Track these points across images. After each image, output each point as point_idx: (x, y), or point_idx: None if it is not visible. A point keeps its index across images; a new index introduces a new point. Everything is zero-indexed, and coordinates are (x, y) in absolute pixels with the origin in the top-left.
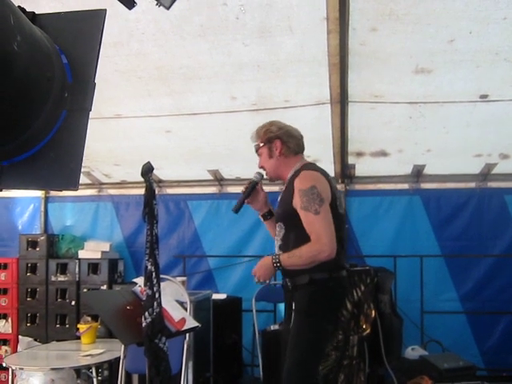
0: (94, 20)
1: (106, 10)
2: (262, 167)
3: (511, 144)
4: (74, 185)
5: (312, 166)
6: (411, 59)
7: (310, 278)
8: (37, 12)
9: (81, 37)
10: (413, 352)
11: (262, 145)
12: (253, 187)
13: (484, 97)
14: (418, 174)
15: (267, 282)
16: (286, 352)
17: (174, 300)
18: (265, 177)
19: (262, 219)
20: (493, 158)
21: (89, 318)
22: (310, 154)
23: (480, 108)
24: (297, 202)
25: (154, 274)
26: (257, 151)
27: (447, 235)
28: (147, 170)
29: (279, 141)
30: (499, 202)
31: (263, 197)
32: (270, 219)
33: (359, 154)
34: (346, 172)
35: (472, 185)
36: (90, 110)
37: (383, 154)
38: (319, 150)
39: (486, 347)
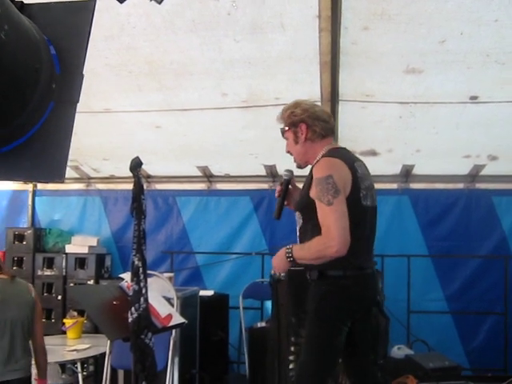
0: (83, 11)
1: (95, 1)
2: (288, 152)
3: (500, 146)
4: (60, 177)
5: (336, 153)
6: (402, 59)
7: (320, 273)
8: (25, 2)
9: (70, 28)
10: (399, 351)
11: (286, 129)
12: (286, 187)
13: (474, 98)
14: (406, 173)
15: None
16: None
17: (161, 296)
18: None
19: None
20: (481, 159)
21: (75, 313)
22: None
23: (470, 109)
24: (313, 192)
25: (140, 269)
26: (283, 135)
27: (435, 235)
28: (136, 165)
29: (304, 125)
30: (487, 204)
31: (299, 193)
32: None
33: None
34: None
35: (460, 186)
36: (78, 101)
37: (373, 153)
38: None
39: (471, 347)
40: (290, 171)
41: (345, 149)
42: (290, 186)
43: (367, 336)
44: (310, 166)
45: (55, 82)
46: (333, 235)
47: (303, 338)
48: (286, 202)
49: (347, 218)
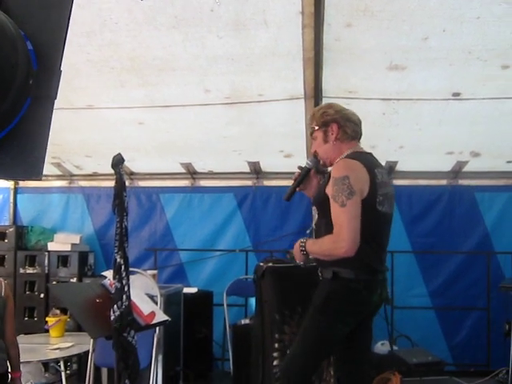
0: (61, 6)
1: None
2: (314, 152)
3: (482, 142)
4: (38, 174)
5: (357, 155)
6: (385, 56)
7: (334, 274)
8: None
9: (47, 22)
10: (382, 347)
11: (317, 128)
12: (305, 174)
13: (456, 95)
14: (390, 170)
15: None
16: (295, 339)
17: (145, 293)
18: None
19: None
20: (464, 155)
21: (58, 311)
22: (283, 148)
23: (452, 106)
24: (329, 189)
25: (123, 266)
26: (311, 134)
27: (418, 232)
28: (118, 162)
29: (336, 125)
30: (470, 200)
31: (316, 183)
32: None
33: None
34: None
35: (443, 182)
36: (55, 98)
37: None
38: (292, 145)
39: (455, 342)
40: (315, 161)
41: (370, 154)
42: (310, 174)
43: (367, 336)
44: None
45: (32, 78)
46: (343, 236)
47: (287, 335)
48: (299, 188)
49: (359, 220)
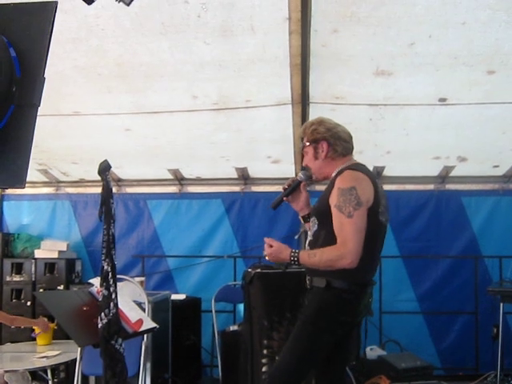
0: (44, 12)
1: (56, 1)
2: (306, 166)
3: (469, 147)
4: (21, 182)
5: (359, 167)
6: (372, 61)
7: (327, 283)
8: None
9: (30, 29)
10: (371, 352)
11: (307, 144)
12: (295, 186)
13: (443, 100)
14: (377, 175)
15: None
16: (283, 348)
17: (132, 301)
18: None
19: (302, 221)
20: (451, 160)
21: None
22: (271, 154)
23: (439, 111)
24: (333, 200)
25: (110, 274)
26: (302, 149)
27: (406, 236)
28: (104, 169)
29: (326, 143)
30: (457, 204)
31: (305, 197)
32: (310, 221)
33: None
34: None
35: (430, 187)
36: (39, 105)
37: None
38: (280, 151)
39: (443, 347)
40: (306, 175)
41: (366, 166)
42: (300, 187)
43: (350, 345)
44: None
45: (15, 85)
46: (350, 248)
47: (276, 341)
48: (286, 199)
49: (364, 232)
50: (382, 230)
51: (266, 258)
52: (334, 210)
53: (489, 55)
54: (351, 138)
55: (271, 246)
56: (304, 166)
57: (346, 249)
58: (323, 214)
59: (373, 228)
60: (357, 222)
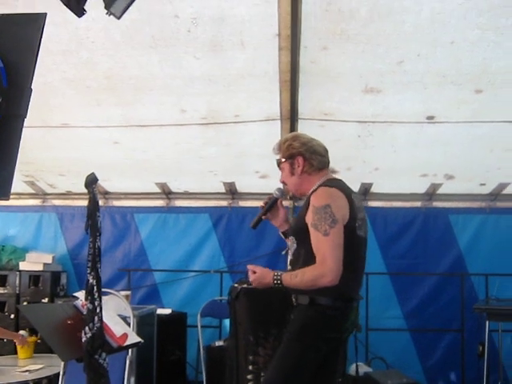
0: (33, 24)
1: (45, 13)
2: (283, 182)
3: (456, 165)
4: (6, 194)
5: (334, 183)
6: (361, 79)
7: (311, 300)
8: None
9: (19, 41)
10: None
11: (283, 160)
12: (272, 204)
13: (431, 118)
14: (365, 192)
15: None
16: (269, 365)
17: (117, 315)
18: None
19: (282, 236)
20: (438, 178)
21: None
22: (259, 169)
23: (427, 129)
24: (309, 218)
25: (95, 287)
26: (278, 165)
27: (393, 253)
28: (91, 181)
29: (301, 158)
30: (444, 222)
31: (283, 214)
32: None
33: None
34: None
35: (418, 204)
36: (25, 116)
37: (331, 171)
38: (268, 166)
39: (429, 364)
40: (282, 191)
41: (341, 180)
42: (277, 204)
43: (338, 361)
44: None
45: (2, 96)
46: (329, 266)
47: (261, 357)
48: (265, 217)
49: (342, 248)
50: (362, 243)
51: (254, 285)
52: (310, 229)
53: (477, 74)
54: (327, 151)
55: (254, 273)
56: (281, 182)
57: (325, 267)
58: (300, 232)
59: (351, 243)
60: (333, 239)
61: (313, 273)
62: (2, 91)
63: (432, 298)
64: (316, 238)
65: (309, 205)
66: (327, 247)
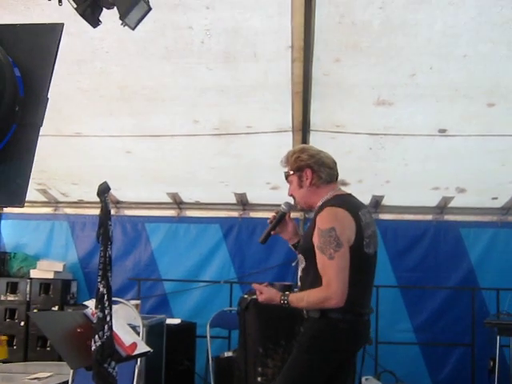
0: (50, 34)
1: (63, 24)
2: (291, 195)
3: (468, 178)
4: (20, 201)
5: (339, 201)
6: (373, 91)
7: (322, 313)
8: None
9: (36, 50)
10: (367, 382)
11: (291, 173)
12: (280, 218)
13: (442, 131)
14: (376, 204)
15: None
16: (278, 376)
17: (127, 324)
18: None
19: (293, 249)
20: (450, 191)
21: None
22: (270, 180)
23: (438, 142)
24: (315, 240)
25: (105, 296)
26: (286, 178)
27: (403, 266)
28: (103, 190)
29: (310, 170)
30: (455, 235)
31: (292, 227)
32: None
33: None
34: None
35: (429, 217)
36: (41, 125)
37: (343, 183)
38: (279, 177)
39: (439, 378)
40: (289, 205)
41: (350, 195)
42: (285, 218)
43: (348, 374)
44: None
45: (19, 105)
46: (334, 289)
47: (270, 369)
48: (274, 232)
49: (347, 271)
50: (371, 261)
51: (261, 301)
52: (316, 251)
53: (489, 88)
54: (335, 164)
55: (262, 293)
56: (289, 195)
57: (330, 290)
58: (308, 251)
59: (359, 262)
60: (338, 262)
61: (318, 296)
62: (19, 100)
63: (442, 311)
64: (322, 261)
65: (315, 225)
66: (332, 271)
